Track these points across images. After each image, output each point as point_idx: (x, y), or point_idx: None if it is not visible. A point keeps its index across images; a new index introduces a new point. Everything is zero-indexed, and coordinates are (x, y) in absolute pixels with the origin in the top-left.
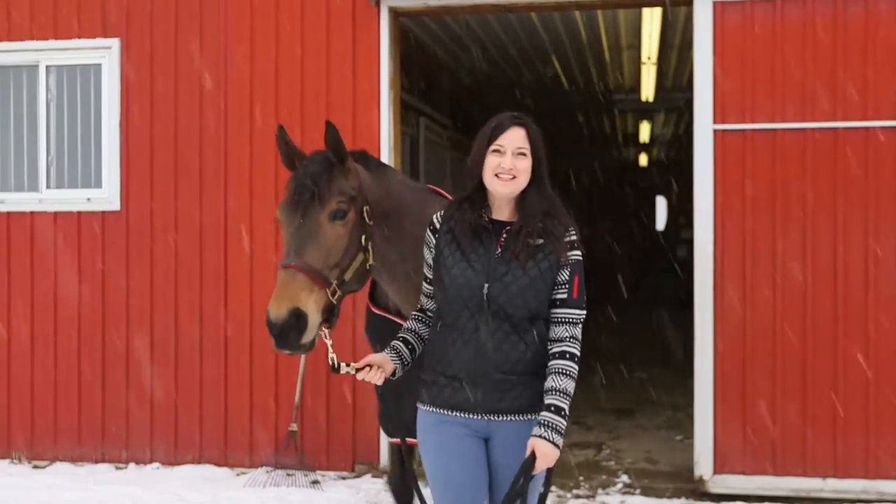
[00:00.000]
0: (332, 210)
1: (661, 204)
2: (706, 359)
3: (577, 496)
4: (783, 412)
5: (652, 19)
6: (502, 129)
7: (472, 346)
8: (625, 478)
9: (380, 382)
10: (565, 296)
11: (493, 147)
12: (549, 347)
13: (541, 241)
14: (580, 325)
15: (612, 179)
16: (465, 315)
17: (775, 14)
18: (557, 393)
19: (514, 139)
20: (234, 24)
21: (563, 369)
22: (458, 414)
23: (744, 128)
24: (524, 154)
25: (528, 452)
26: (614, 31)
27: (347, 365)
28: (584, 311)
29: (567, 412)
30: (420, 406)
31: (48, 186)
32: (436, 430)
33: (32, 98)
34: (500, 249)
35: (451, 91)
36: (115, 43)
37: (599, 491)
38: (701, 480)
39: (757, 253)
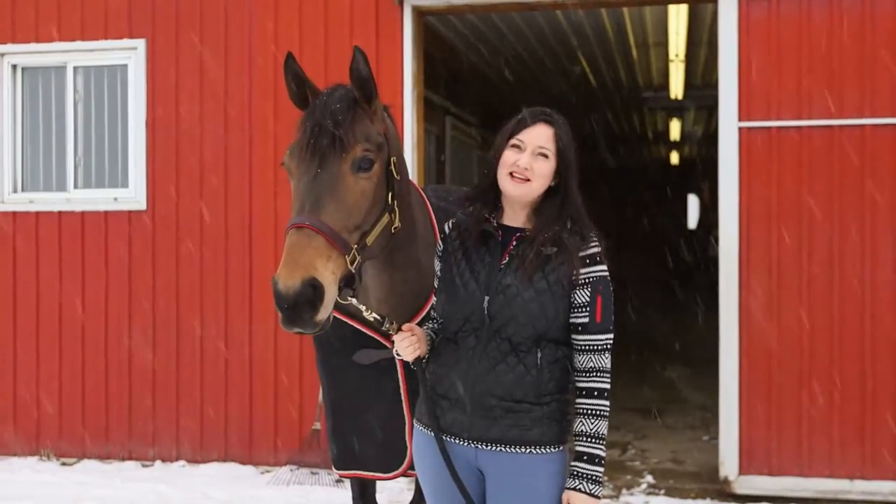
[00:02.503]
0: (356, 159)
1: (692, 202)
2: (731, 358)
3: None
4: (810, 412)
5: (678, 16)
6: (525, 124)
7: (464, 365)
8: (649, 478)
9: (410, 358)
10: (587, 320)
11: (512, 141)
12: (576, 380)
13: (554, 249)
14: (607, 353)
15: (643, 177)
16: (467, 329)
17: (801, 10)
18: (588, 439)
19: (538, 137)
20: (259, 25)
21: (591, 410)
22: (444, 436)
23: (770, 125)
24: (545, 155)
25: None
26: (641, 28)
27: (391, 323)
28: (611, 335)
29: (602, 458)
30: (415, 421)
31: (76, 186)
32: (425, 449)
33: (60, 99)
34: (507, 259)
35: (479, 89)
36: (140, 44)
37: (623, 491)
38: (726, 481)
39: (783, 251)
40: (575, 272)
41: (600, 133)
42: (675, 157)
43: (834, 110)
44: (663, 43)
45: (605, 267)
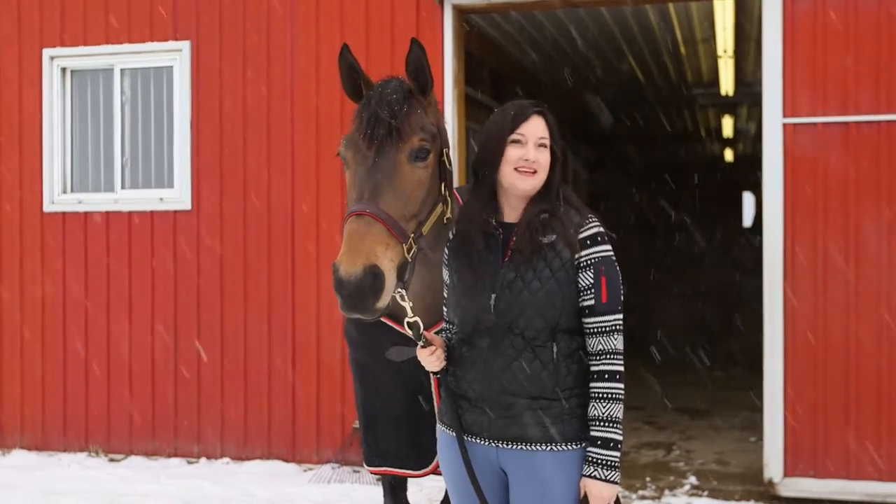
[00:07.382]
0: (413, 148)
1: (747, 200)
2: (776, 358)
3: (643, 497)
4: (857, 414)
5: (724, 11)
6: (524, 118)
7: (480, 364)
8: (693, 479)
9: (435, 369)
10: (592, 301)
11: (513, 137)
12: (589, 364)
13: (553, 236)
14: (618, 333)
15: (697, 175)
16: (481, 329)
17: (847, 2)
18: (602, 423)
19: (536, 129)
20: (300, 26)
21: (604, 393)
22: (465, 436)
23: (815, 121)
24: (545, 146)
25: (580, 494)
26: (688, 23)
27: (422, 337)
28: (620, 316)
29: (618, 442)
30: (437, 421)
31: (123, 187)
32: (447, 449)
33: (108, 101)
34: (509, 255)
35: (524, 87)
36: (185, 46)
37: (666, 492)
38: (771, 483)
39: (829, 250)
40: (577, 254)
41: (650, 130)
42: (729, 154)
43: (882, 105)
44: (711, 39)
45: (608, 247)
